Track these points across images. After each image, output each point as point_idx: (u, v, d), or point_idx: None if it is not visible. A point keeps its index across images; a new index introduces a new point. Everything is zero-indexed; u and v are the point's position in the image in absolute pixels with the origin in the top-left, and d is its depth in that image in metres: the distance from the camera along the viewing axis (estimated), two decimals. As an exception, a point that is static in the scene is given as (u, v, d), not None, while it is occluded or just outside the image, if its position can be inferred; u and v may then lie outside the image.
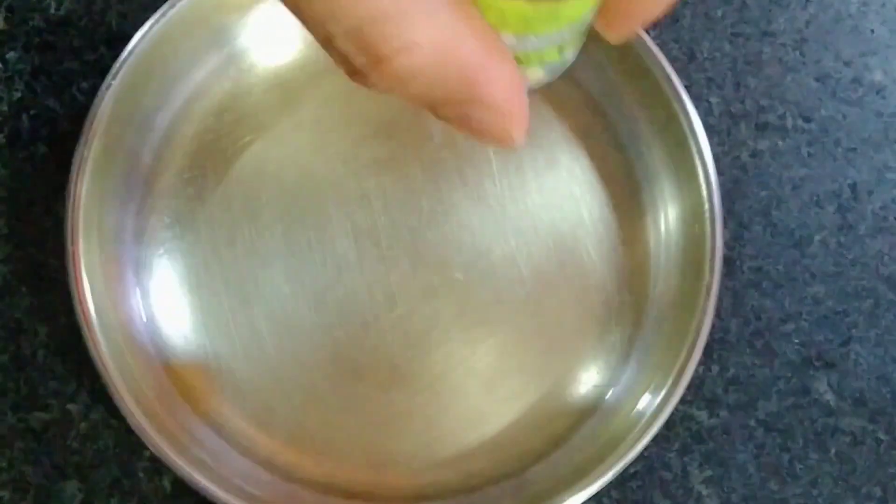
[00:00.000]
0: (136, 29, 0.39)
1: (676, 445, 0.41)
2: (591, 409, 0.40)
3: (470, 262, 0.41)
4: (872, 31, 0.45)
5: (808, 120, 0.44)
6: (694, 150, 0.40)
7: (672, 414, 0.38)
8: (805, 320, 0.42)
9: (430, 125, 0.42)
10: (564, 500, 0.37)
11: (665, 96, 0.40)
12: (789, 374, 0.42)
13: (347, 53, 0.18)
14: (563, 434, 0.40)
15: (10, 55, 0.42)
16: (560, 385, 0.40)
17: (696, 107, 0.40)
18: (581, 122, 0.42)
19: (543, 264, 0.41)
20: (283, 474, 0.39)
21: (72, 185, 0.38)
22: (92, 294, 0.37)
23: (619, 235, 0.42)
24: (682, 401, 0.38)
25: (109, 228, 0.39)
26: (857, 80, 0.44)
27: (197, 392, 0.39)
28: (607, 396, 0.40)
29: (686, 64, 0.44)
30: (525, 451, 0.40)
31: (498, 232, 0.41)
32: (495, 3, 0.19)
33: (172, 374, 0.39)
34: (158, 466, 0.39)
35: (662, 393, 0.38)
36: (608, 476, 0.37)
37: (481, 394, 0.40)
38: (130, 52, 0.38)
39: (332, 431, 0.39)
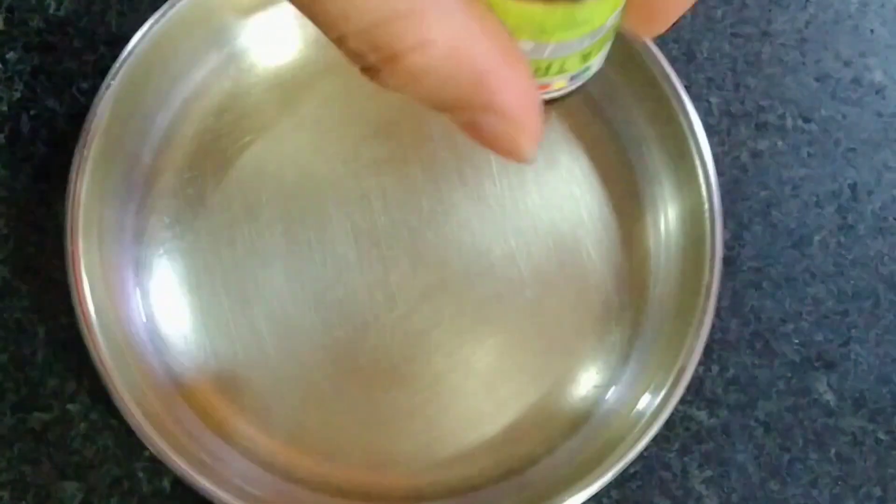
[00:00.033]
0: (136, 29, 0.39)
1: (676, 445, 0.41)
2: (591, 409, 0.40)
3: (470, 262, 0.41)
4: (872, 31, 0.45)
5: (807, 120, 0.44)
6: (694, 150, 0.40)
7: (672, 414, 0.38)
8: (805, 320, 0.42)
9: (430, 125, 0.42)
10: (564, 500, 0.37)
11: (665, 96, 0.40)
12: (789, 374, 0.42)
13: (360, 52, 0.18)
14: (563, 434, 0.40)
15: (10, 55, 0.42)
16: (560, 385, 0.40)
17: (696, 107, 0.40)
18: (581, 122, 0.42)
19: (543, 264, 0.41)
20: (283, 474, 0.39)
21: (72, 185, 0.38)
22: (92, 294, 0.37)
23: (619, 235, 0.42)
24: (682, 401, 0.38)
25: (109, 228, 0.39)
26: (857, 80, 0.44)
27: (197, 392, 0.39)
28: (607, 396, 0.40)
29: (686, 64, 0.44)
30: (525, 451, 0.40)
31: (498, 232, 0.41)
32: (511, 7, 0.18)
33: (172, 374, 0.39)
34: (158, 466, 0.39)
35: (662, 393, 0.38)
36: (608, 476, 0.37)
37: (481, 394, 0.40)
38: (130, 52, 0.38)
39: (331, 431, 0.40)
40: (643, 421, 0.38)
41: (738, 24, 0.45)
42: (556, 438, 0.40)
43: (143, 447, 0.37)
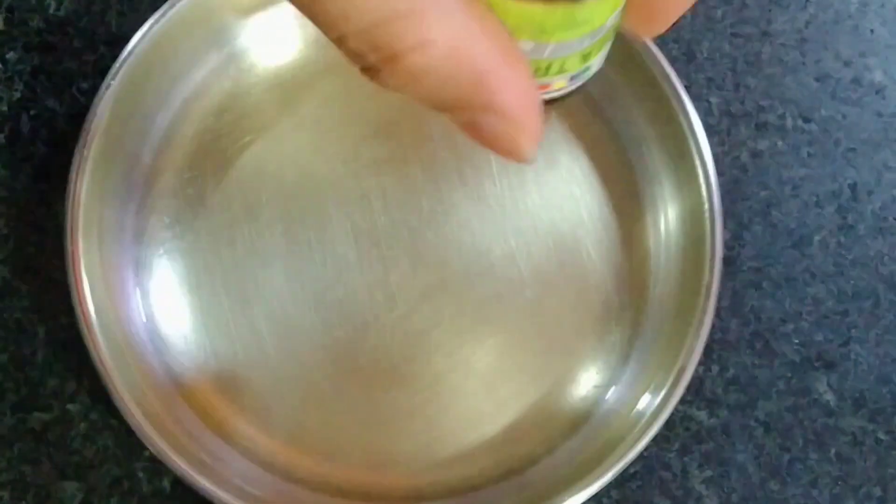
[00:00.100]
0: (136, 29, 0.39)
1: (676, 445, 0.41)
2: (591, 410, 0.40)
3: (470, 262, 0.41)
4: (872, 31, 0.45)
5: (807, 120, 0.44)
6: (694, 150, 0.40)
7: (672, 414, 0.38)
8: (805, 320, 0.42)
9: (430, 125, 0.42)
10: (564, 500, 0.37)
11: (665, 96, 0.40)
12: (789, 374, 0.42)
13: (360, 52, 0.18)
14: (563, 434, 0.40)
15: (10, 55, 0.42)
16: (560, 385, 0.40)
17: (696, 107, 0.40)
18: (581, 122, 0.42)
19: (543, 264, 0.41)
20: (283, 474, 0.39)
21: (72, 185, 0.38)
22: (92, 294, 0.37)
23: (619, 235, 0.42)
24: (682, 401, 0.38)
25: (109, 228, 0.39)
26: (857, 80, 0.44)
27: (197, 392, 0.39)
28: (607, 396, 0.40)
29: (686, 64, 0.44)
30: (525, 451, 0.40)
31: (498, 232, 0.41)
32: (511, 7, 0.18)
33: (172, 374, 0.39)
34: (158, 466, 0.39)
35: (662, 393, 0.38)
36: (608, 476, 0.37)
37: (481, 394, 0.40)
38: (130, 52, 0.38)
39: (331, 431, 0.40)
40: (643, 421, 0.38)
41: (738, 24, 0.45)
42: (556, 438, 0.40)
43: (143, 447, 0.37)
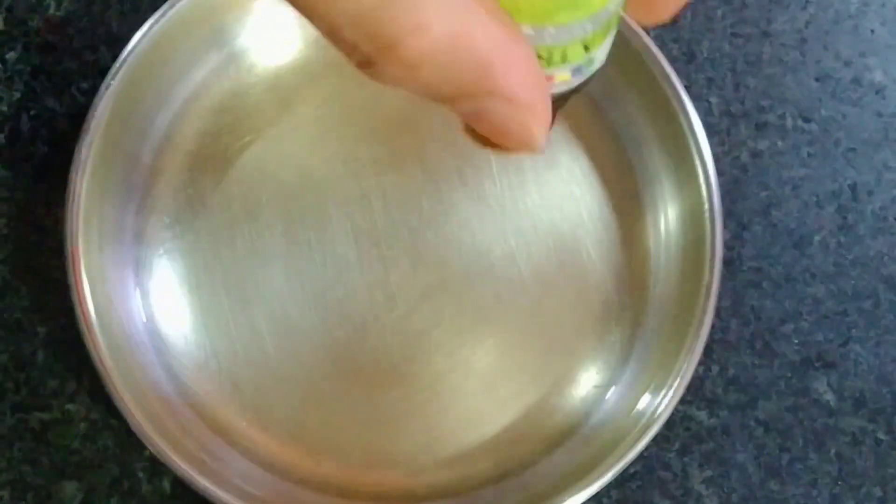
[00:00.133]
0: (136, 29, 0.39)
1: (676, 445, 0.41)
2: (591, 409, 0.40)
3: (470, 262, 0.41)
4: (872, 31, 0.45)
5: (807, 120, 0.44)
6: (694, 150, 0.40)
7: (672, 414, 0.38)
8: (805, 320, 0.42)
9: (430, 125, 0.42)
10: (564, 500, 0.37)
11: (665, 96, 0.40)
12: (789, 374, 0.42)
13: (355, 42, 0.17)
14: (563, 434, 0.40)
15: (10, 55, 0.42)
16: (560, 385, 0.40)
17: (696, 107, 0.40)
18: (581, 122, 0.42)
19: (543, 264, 0.41)
20: (283, 474, 0.39)
21: (72, 185, 0.38)
22: (92, 294, 0.37)
23: (619, 235, 0.42)
24: (682, 401, 0.38)
25: (109, 228, 0.39)
26: (857, 80, 0.44)
27: (196, 392, 0.39)
28: (607, 396, 0.40)
29: (686, 64, 0.44)
30: (525, 451, 0.40)
31: (498, 232, 0.41)
32: None
33: (172, 374, 0.39)
34: (158, 466, 0.39)
35: (662, 393, 0.38)
36: (608, 476, 0.37)
37: (481, 394, 0.40)
38: (130, 52, 0.38)
39: (331, 431, 0.39)
40: (643, 421, 0.38)
41: (738, 24, 0.45)
42: (557, 438, 0.40)
43: (143, 447, 0.37)
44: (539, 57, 0.19)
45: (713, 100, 0.44)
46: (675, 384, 0.38)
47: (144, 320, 0.40)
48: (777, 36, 0.45)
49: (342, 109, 0.42)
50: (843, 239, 0.43)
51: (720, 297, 0.39)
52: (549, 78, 0.20)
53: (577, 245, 0.41)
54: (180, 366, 0.40)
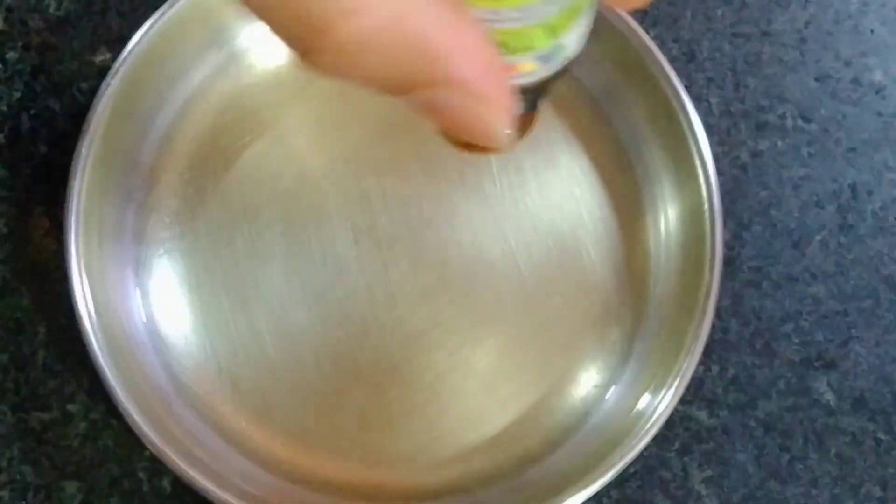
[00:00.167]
0: (136, 29, 0.39)
1: (676, 445, 0.41)
2: (590, 409, 0.40)
3: (470, 262, 0.41)
4: (872, 31, 0.45)
5: (808, 120, 0.44)
6: (694, 150, 0.40)
7: (672, 414, 0.38)
8: (805, 320, 0.42)
9: (430, 125, 0.42)
10: (564, 500, 0.37)
11: (665, 96, 0.40)
12: (789, 374, 0.42)
13: (289, 28, 0.16)
14: (563, 434, 0.40)
15: (10, 55, 0.42)
16: (560, 385, 0.40)
17: (696, 107, 0.40)
18: (581, 122, 0.42)
19: (543, 264, 0.41)
20: (283, 474, 0.39)
21: (72, 185, 0.38)
22: (92, 294, 0.37)
23: (619, 235, 0.42)
24: (682, 401, 0.38)
25: (109, 228, 0.39)
26: (857, 80, 0.44)
27: (197, 392, 0.39)
28: (607, 396, 0.40)
29: (686, 64, 0.44)
30: (525, 451, 0.40)
31: (498, 232, 0.41)
32: None
33: (172, 374, 0.39)
34: (158, 466, 0.39)
35: (662, 393, 0.38)
36: (608, 476, 0.37)
37: (481, 394, 0.40)
38: (130, 52, 0.38)
39: (331, 431, 0.39)
40: (643, 421, 0.38)
41: (738, 24, 0.45)
42: (556, 438, 0.40)
43: (143, 447, 0.37)
44: (499, 43, 0.18)
45: (713, 100, 0.44)
46: (675, 384, 0.38)
47: (144, 320, 0.40)
48: (777, 36, 0.45)
49: (342, 109, 0.42)
50: (843, 239, 0.43)
51: (720, 297, 0.39)
52: (512, 67, 0.19)
53: (577, 245, 0.41)
54: (180, 366, 0.40)
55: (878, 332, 0.42)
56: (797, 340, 0.42)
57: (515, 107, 0.18)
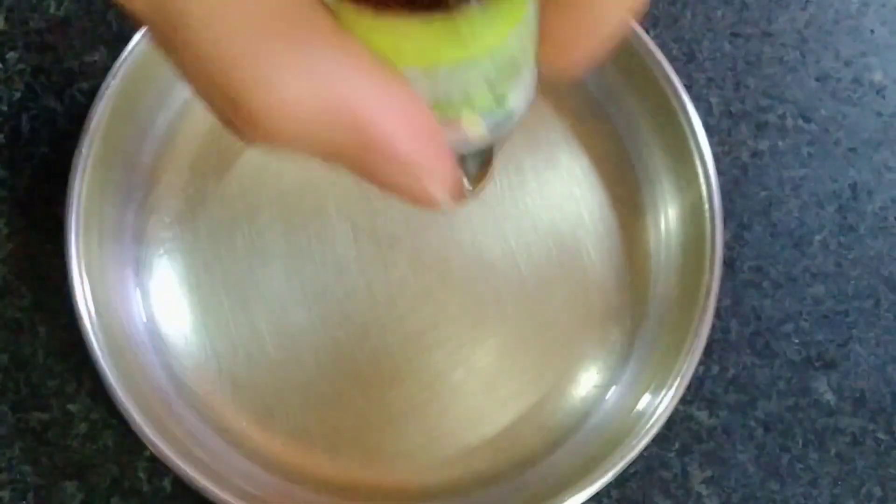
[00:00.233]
0: (136, 29, 0.39)
1: (676, 445, 0.41)
2: (590, 409, 0.40)
3: (470, 262, 0.41)
4: (872, 31, 0.45)
5: (808, 120, 0.44)
6: (694, 150, 0.40)
7: (672, 414, 0.38)
8: (805, 320, 0.42)
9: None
10: (564, 500, 0.37)
11: (665, 96, 0.40)
12: (789, 374, 0.42)
13: (215, 106, 0.15)
14: (563, 434, 0.40)
15: (10, 55, 0.42)
16: (560, 385, 0.40)
17: (696, 107, 0.40)
18: (581, 122, 0.42)
19: (543, 264, 0.41)
20: (283, 474, 0.39)
21: (72, 185, 0.38)
22: (92, 294, 0.37)
23: (619, 235, 0.42)
24: (682, 401, 0.38)
25: (109, 228, 0.39)
26: (857, 80, 0.44)
27: (197, 392, 0.39)
28: (607, 396, 0.40)
29: (686, 64, 0.44)
30: (525, 451, 0.40)
31: (498, 232, 0.41)
32: (384, 28, 0.15)
33: (172, 374, 0.39)
34: (158, 466, 0.39)
35: (662, 393, 0.38)
36: (608, 476, 0.37)
37: (481, 394, 0.40)
38: (130, 52, 0.38)
39: (331, 431, 0.39)
40: (643, 421, 0.38)
41: (738, 24, 0.45)
42: (556, 438, 0.40)
43: (143, 447, 0.37)
44: (436, 103, 0.17)
45: (713, 100, 0.44)
46: (675, 384, 0.38)
47: (144, 320, 0.40)
48: (777, 36, 0.45)
49: (342, 109, 0.42)
50: (843, 239, 0.43)
51: (720, 297, 0.39)
52: (455, 125, 0.18)
53: (577, 245, 0.41)
54: (180, 366, 0.40)
55: (878, 332, 0.42)
56: (797, 340, 0.42)
57: (463, 170, 0.17)
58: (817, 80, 0.44)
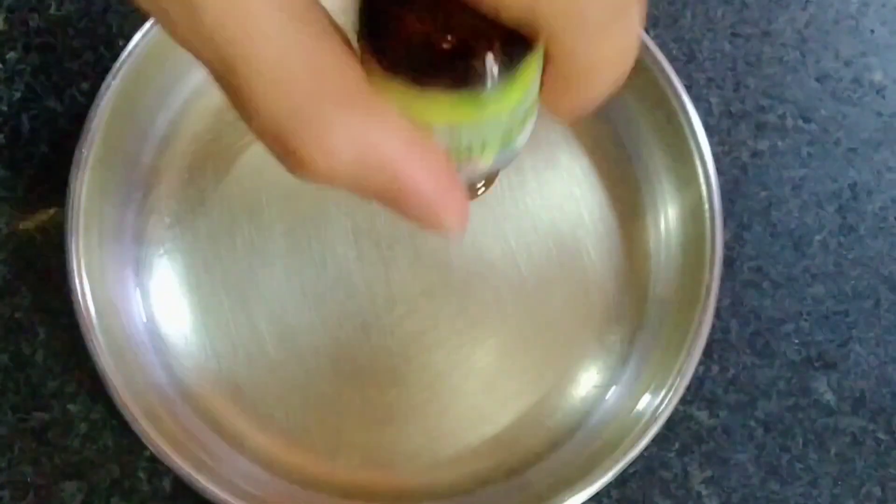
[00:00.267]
0: (136, 29, 0.39)
1: (676, 445, 0.41)
2: (591, 409, 0.40)
3: (470, 262, 0.41)
4: (872, 31, 0.45)
5: (808, 120, 0.44)
6: (694, 150, 0.40)
7: (672, 414, 0.38)
8: (805, 320, 0.42)
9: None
10: (564, 500, 0.37)
11: (665, 96, 0.40)
12: (789, 374, 0.42)
13: (275, 151, 0.18)
14: (563, 434, 0.40)
15: (10, 55, 0.42)
16: (560, 385, 0.40)
17: (696, 107, 0.40)
18: (581, 123, 0.42)
19: (543, 264, 0.41)
20: (283, 474, 0.39)
21: (72, 185, 0.38)
22: (92, 294, 0.37)
23: (619, 235, 0.42)
24: (682, 401, 0.38)
25: (109, 228, 0.39)
26: (857, 80, 0.44)
27: (196, 392, 0.39)
28: (607, 396, 0.40)
29: (686, 64, 0.44)
30: (525, 451, 0.40)
31: (498, 232, 0.41)
32: (415, 95, 0.18)
33: (172, 374, 0.39)
34: (158, 466, 0.39)
35: (662, 393, 0.38)
36: (608, 476, 0.37)
37: (481, 394, 0.40)
38: (130, 52, 0.38)
39: (332, 431, 0.39)
40: (643, 421, 0.38)
41: (738, 24, 0.45)
42: (556, 438, 0.40)
43: (143, 447, 0.37)
44: (458, 149, 0.20)
45: (713, 100, 0.44)
46: (675, 384, 0.38)
47: (144, 320, 0.40)
48: (777, 36, 0.45)
49: (342, 109, 0.42)
50: (843, 239, 0.43)
51: (720, 297, 0.39)
52: (472, 163, 0.21)
53: (577, 245, 0.41)
54: (180, 366, 0.40)
55: (878, 332, 0.42)
56: (797, 340, 0.42)
57: (472, 188, 0.22)
58: (817, 80, 0.44)
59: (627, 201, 0.42)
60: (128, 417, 0.36)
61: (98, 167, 0.38)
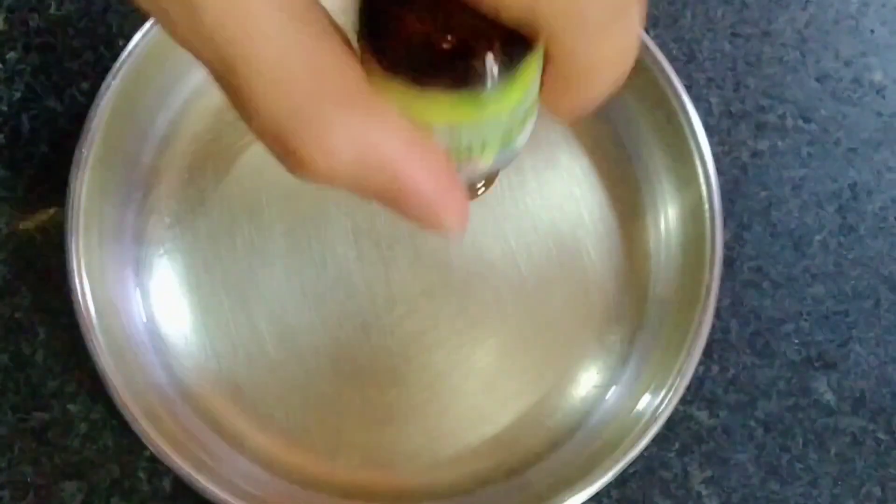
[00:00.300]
0: (136, 29, 0.39)
1: (676, 445, 0.41)
2: (591, 409, 0.40)
3: (470, 262, 0.41)
4: (872, 31, 0.45)
5: (808, 120, 0.44)
6: (694, 150, 0.40)
7: (672, 414, 0.38)
8: (805, 320, 0.42)
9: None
10: (564, 500, 0.37)
11: (665, 96, 0.40)
12: (789, 374, 0.42)
13: (275, 151, 0.18)
14: (563, 434, 0.40)
15: (10, 55, 0.42)
16: (560, 385, 0.40)
17: (696, 107, 0.40)
18: (581, 123, 0.42)
19: (543, 264, 0.41)
20: (283, 474, 0.39)
21: (72, 185, 0.38)
22: (92, 294, 0.37)
23: (619, 235, 0.42)
24: (682, 401, 0.38)
25: (109, 228, 0.39)
26: (857, 80, 0.44)
27: (196, 392, 0.39)
28: (607, 396, 0.40)
29: (686, 64, 0.44)
30: (525, 451, 0.40)
31: (498, 232, 0.41)
32: (415, 95, 0.18)
33: (172, 374, 0.39)
34: (158, 466, 0.39)
35: (662, 393, 0.38)
36: (608, 476, 0.37)
37: (481, 394, 0.40)
38: (130, 53, 0.38)
39: (331, 431, 0.40)
40: (643, 421, 0.38)
41: (738, 24, 0.45)
42: (556, 438, 0.40)
43: (143, 447, 0.37)
44: (458, 149, 0.20)
45: (713, 100, 0.44)
46: (675, 384, 0.38)
47: (144, 320, 0.40)
48: (777, 36, 0.45)
49: (342, 109, 0.42)
50: (843, 239, 0.43)
51: (720, 297, 0.39)
52: (472, 163, 0.21)
53: (577, 245, 0.41)
54: (180, 366, 0.40)
55: (878, 332, 0.42)
56: (797, 340, 0.42)
57: (472, 188, 0.22)
58: (817, 80, 0.44)
59: (627, 201, 0.42)
60: (128, 417, 0.36)
61: (98, 167, 0.38)
